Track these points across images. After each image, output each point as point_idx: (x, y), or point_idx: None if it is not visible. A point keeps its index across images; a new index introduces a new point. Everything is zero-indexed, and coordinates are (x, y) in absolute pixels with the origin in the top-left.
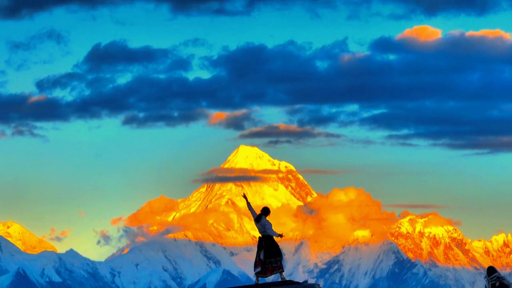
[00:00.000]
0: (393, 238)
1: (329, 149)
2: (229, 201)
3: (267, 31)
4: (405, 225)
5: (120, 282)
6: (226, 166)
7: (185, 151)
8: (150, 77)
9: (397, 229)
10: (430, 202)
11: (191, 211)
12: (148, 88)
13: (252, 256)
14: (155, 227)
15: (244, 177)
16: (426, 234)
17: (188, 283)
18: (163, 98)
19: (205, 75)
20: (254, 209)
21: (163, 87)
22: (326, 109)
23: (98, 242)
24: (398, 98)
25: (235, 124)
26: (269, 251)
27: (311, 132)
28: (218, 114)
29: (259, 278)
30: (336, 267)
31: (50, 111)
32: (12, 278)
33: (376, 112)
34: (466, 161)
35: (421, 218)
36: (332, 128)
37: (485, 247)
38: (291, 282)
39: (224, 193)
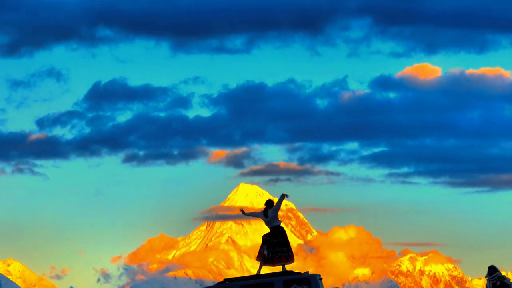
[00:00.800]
0: (393, 276)
1: (329, 187)
2: (229, 239)
3: (267, 69)
4: (405, 263)
5: None
6: (227, 204)
7: (185, 189)
8: (150, 115)
9: (398, 267)
10: (430, 240)
11: (191, 249)
12: (148, 126)
13: None
14: (155, 265)
15: None
16: (427, 272)
17: None
18: (163, 136)
19: (205, 113)
20: (254, 215)
21: (163, 125)
22: (326, 147)
23: (98, 280)
24: (398, 136)
25: (235, 162)
26: (273, 242)
27: (311, 170)
28: (218, 152)
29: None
30: None
31: (50, 149)
32: None
33: (376, 150)
34: (466, 199)
35: (422, 256)
36: (332, 166)
37: (485, 285)
38: (292, 273)
39: (224, 231)
